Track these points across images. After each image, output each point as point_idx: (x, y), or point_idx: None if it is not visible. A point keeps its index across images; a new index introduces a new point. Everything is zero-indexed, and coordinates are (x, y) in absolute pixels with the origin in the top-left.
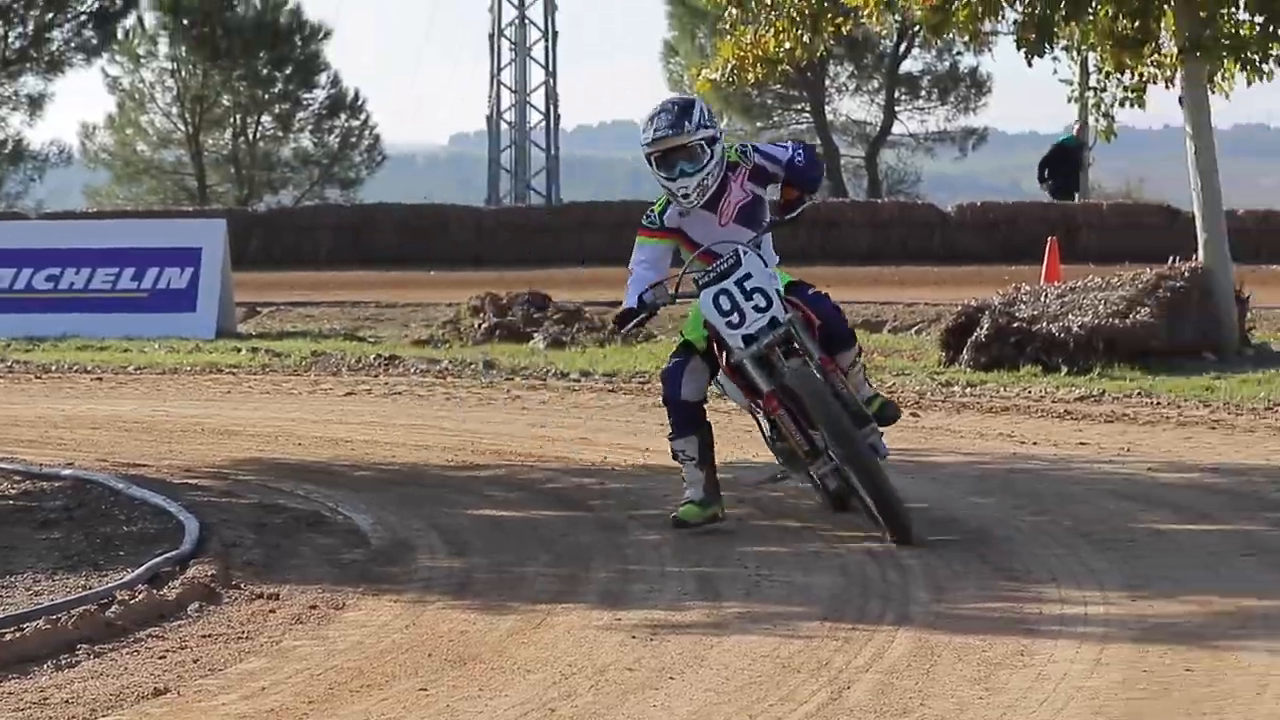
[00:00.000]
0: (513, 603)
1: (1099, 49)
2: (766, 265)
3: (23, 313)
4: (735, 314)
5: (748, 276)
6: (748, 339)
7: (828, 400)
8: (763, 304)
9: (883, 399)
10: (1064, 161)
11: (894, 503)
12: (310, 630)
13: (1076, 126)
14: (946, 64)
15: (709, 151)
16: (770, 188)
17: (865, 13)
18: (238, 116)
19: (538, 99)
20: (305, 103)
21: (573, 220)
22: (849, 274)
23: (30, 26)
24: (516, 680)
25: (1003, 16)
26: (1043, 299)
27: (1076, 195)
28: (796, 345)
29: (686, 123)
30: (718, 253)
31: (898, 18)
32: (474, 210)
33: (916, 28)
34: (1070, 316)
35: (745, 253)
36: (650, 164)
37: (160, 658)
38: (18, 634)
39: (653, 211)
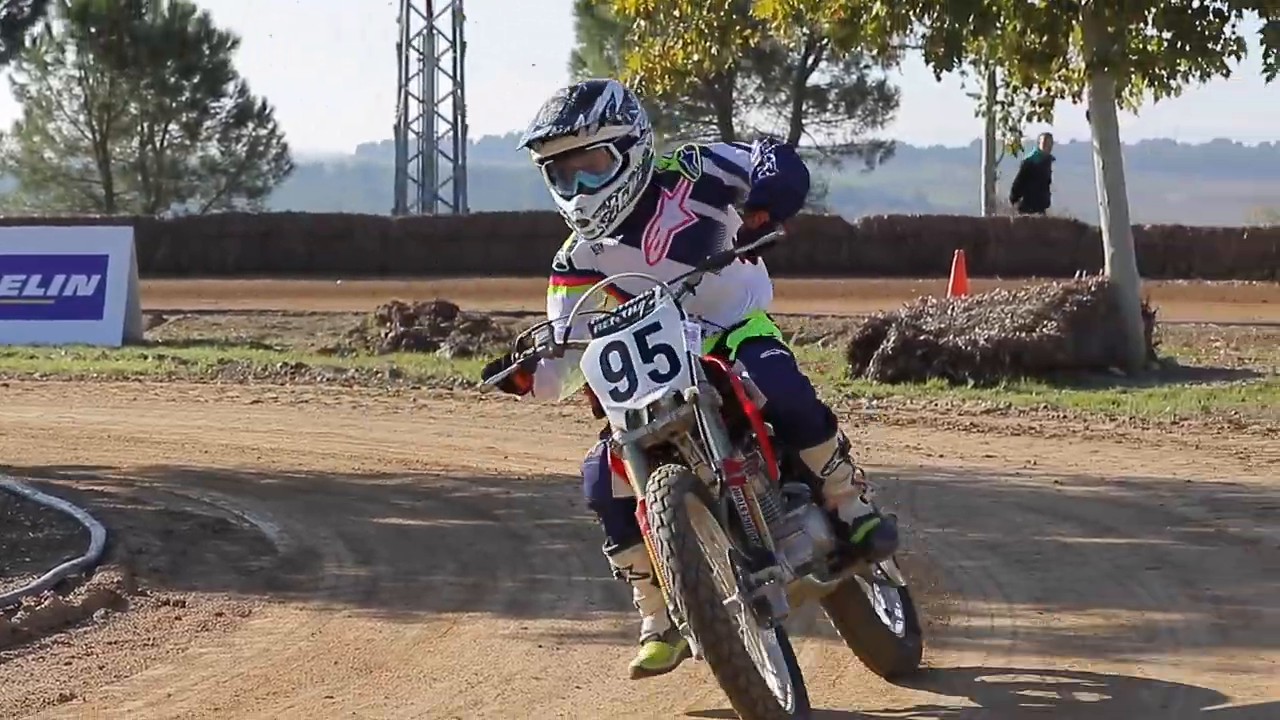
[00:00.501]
0: (419, 611)
1: (1007, 63)
2: (684, 318)
3: None
4: (624, 379)
5: (653, 329)
6: (632, 417)
7: (680, 538)
8: (663, 370)
9: (876, 523)
10: (1032, 178)
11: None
12: (216, 637)
13: (1041, 140)
14: (854, 77)
15: (620, 157)
16: (732, 207)
17: (773, 25)
18: (145, 124)
19: (445, 109)
20: (213, 111)
21: (480, 230)
22: None
23: None
24: (423, 688)
25: (910, 30)
26: (949, 312)
27: (1048, 210)
28: (699, 439)
29: (583, 115)
30: (630, 292)
31: (805, 30)
32: (381, 220)
33: (824, 41)
34: (977, 330)
35: (662, 294)
36: (543, 174)
37: (66, 664)
38: None
39: (561, 250)
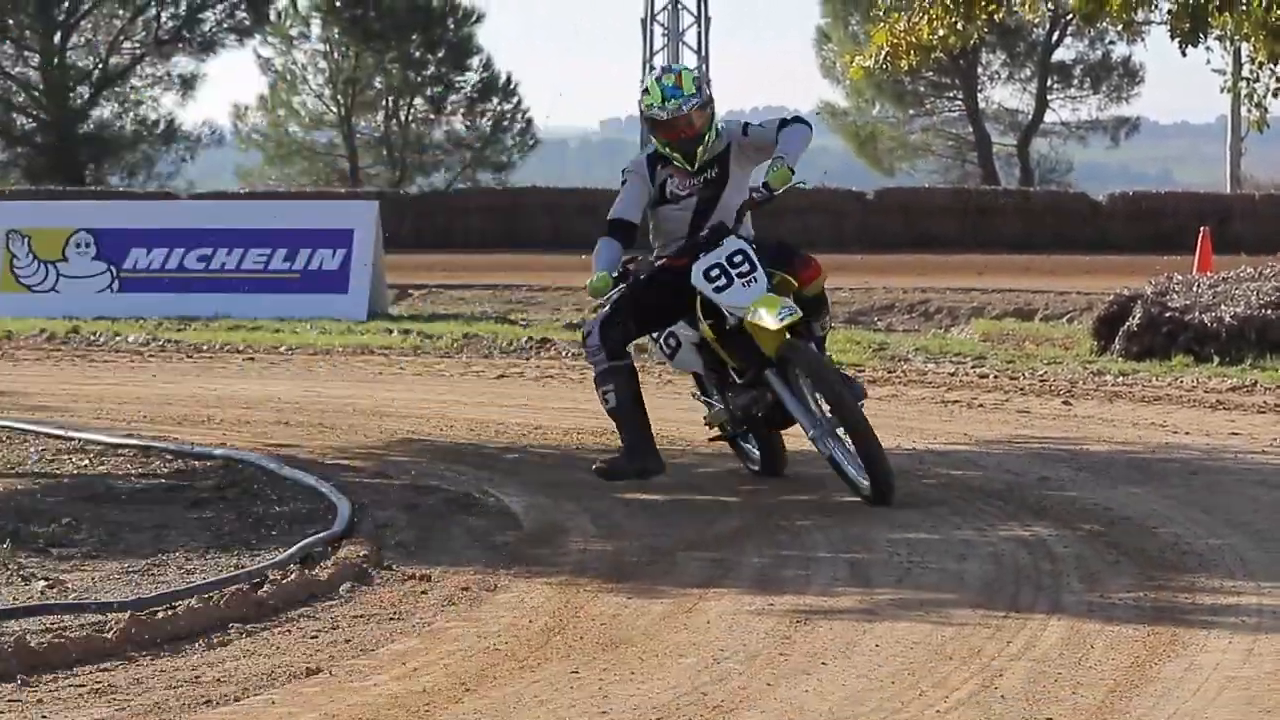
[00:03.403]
0: (664, 586)
1: (1252, 39)
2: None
3: (175, 292)
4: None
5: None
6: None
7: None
8: (745, 268)
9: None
10: None
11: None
12: (462, 612)
13: None
14: (1099, 53)
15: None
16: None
17: (1019, 1)
18: (390, 99)
19: None
20: (457, 86)
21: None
22: (1000, 262)
23: (183, 7)
24: (668, 664)
25: (1156, 6)
26: (1195, 289)
27: None
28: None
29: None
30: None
31: (1051, 6)
32: None
33: (1070, 16)
34: (1223, 307)
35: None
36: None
37: (312, 637)
38: (170, 612)
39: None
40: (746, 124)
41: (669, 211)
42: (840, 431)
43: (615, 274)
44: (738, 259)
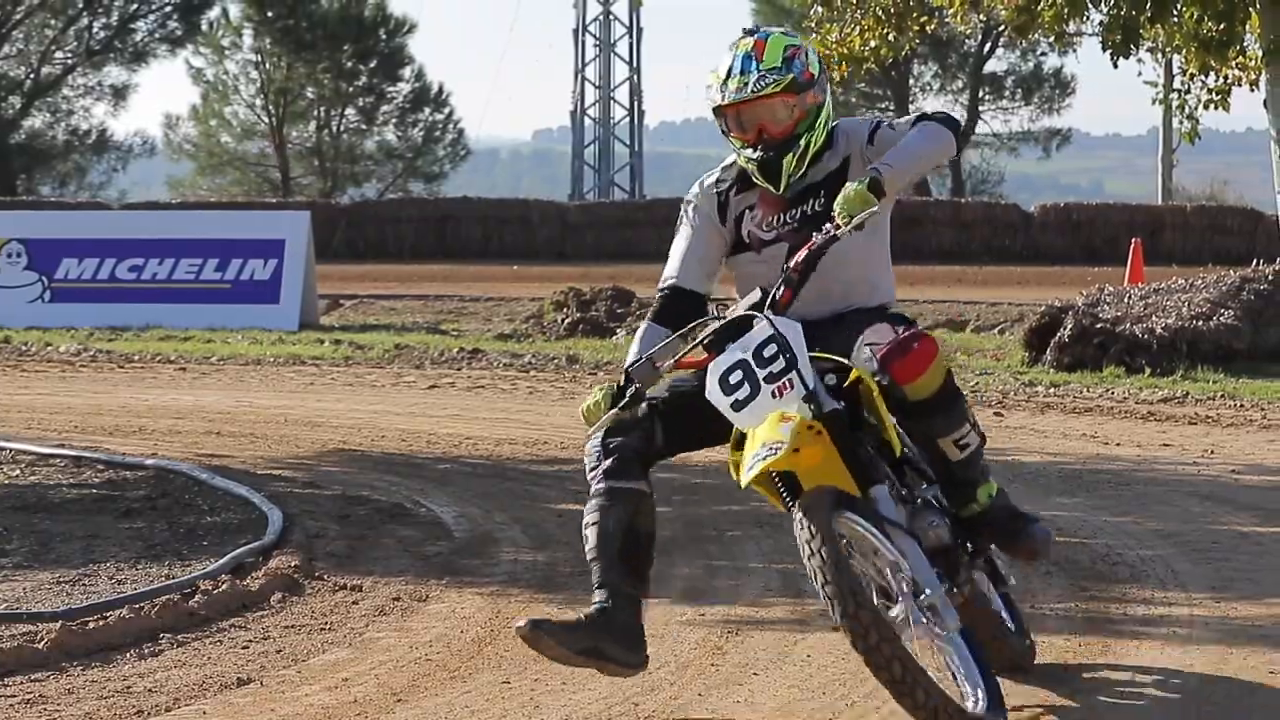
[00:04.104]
0: None
1: (1184, 51)
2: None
3: (106, 302)
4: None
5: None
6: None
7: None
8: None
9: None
10: None
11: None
12: (394, 622)
13: None
14: (1031, 64)
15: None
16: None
17: (950, 12)
18: (321, 109)
19: (622, 95)
20: (389, 96)
21: (656, 216)
22: (932, 273)
23: (115, 17)
24: (599, 675)
25: (1088, 18)
26: (1126, 300)
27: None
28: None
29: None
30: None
31: (983, 17)
32: (557, 205)
33: (1001, 27)
34: (1154, 318)
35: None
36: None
37: (243, 648)
38: (101, 622)
39: None
40: (879, 123)
41: (748, 264)
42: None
43: (618, 388)
44: (769, 352)
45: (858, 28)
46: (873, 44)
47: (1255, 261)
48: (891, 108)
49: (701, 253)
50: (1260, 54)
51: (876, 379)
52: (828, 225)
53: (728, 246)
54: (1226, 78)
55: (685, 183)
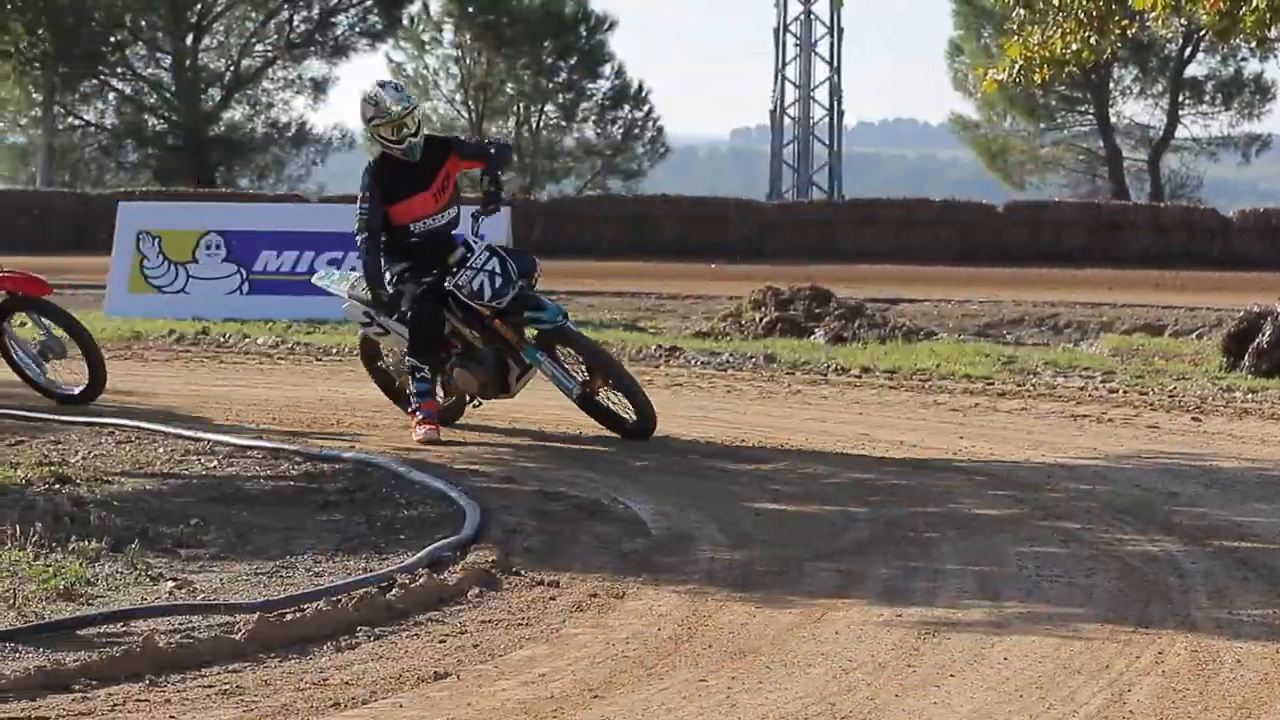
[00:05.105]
0: (793, 596)
1: None
2: None
3: (305, 295)
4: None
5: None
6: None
7: None
8: None
9: None
10: None
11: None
12: (590, 618)
13: None
14: (1231, 69)
15: None
16: None
17: (1152, 16)
18: (521, 105)
19: (821, 94)
20: (589, 93)
21: (854, 216)
22: (1130, 277)
23: (316, 10)
24: (796, 674)
25: None
26: None
27: None
28: None
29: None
30: None
31: (1184, 21)
32: (756, 204)
33: (1203, 32)
34: None
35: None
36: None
37: (440, 642)
38: (298, 614)
39: None
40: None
41: None
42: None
43: None
44: None
45: (1059, 30)
46: (1074, 47)
47: None
48: (1091, 110)
49: None
50: None
51: None
52: None
53: None
54: None
55: (883, 183)
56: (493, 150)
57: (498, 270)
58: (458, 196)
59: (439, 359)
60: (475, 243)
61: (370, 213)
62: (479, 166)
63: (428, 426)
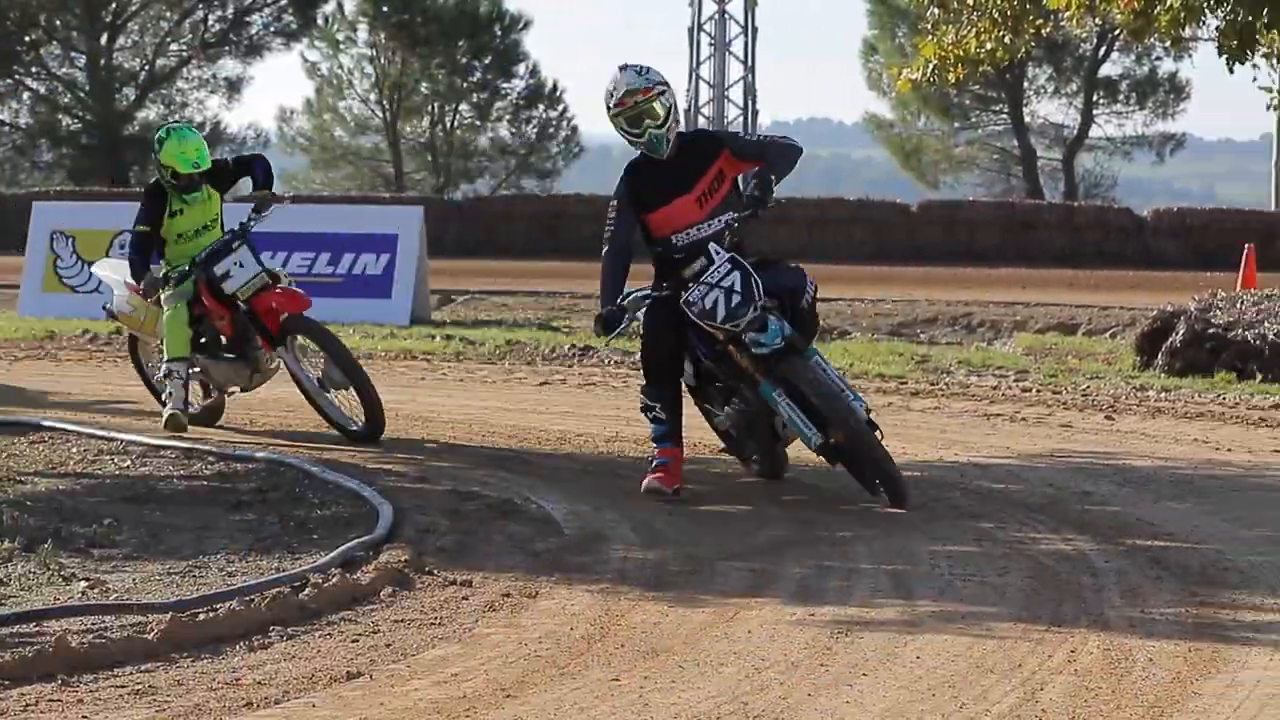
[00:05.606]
0: (705, 595)
1: None
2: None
3: None
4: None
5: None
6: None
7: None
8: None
9: None
10: None
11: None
12: (503, 618)
13: None
14: (1146, 68)
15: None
16: None
17: (1066, 15)
18: (436, 105)
19: (736, 94)
20: (503, 92)
21: (768, 214)
22: (1044, 276)
23: (230, 10)
24: (709, 673)
25: (1204, 22)
26: (1239, 305)
27: None
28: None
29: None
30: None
31: (1098, 21)
32: None
33: (1117, 31)
34: (1266, 324)
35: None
36: None
37: (353, 641)
38: (211, 614)
39: None
40: None
41: None
42: None
43: None
44: None
45: (974, 29)
46: (989, 46)
47: None
48: (1005, 110)
49: None
50: None
51: None
52: None
53: None
54: None
55: (799, 183)
56: (773, 150)
57: (737, 286)
58: (734, 201)
59: (676, 392)
60: (716, 253)
61: (617, 223)
62: (759, 166)
63: (659, 476)
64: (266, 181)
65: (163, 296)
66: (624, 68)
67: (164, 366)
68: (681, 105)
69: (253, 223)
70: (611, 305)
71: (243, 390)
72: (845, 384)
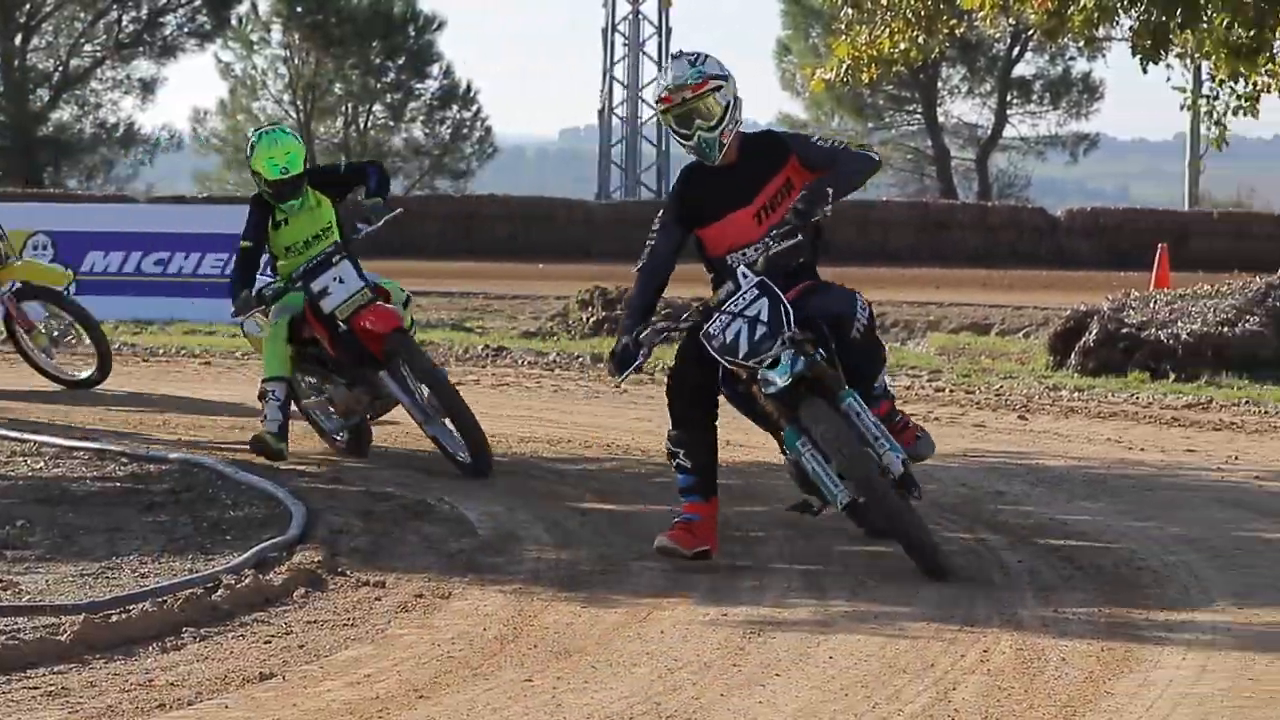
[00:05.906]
0: (618, 596)
1: (1214, 57)
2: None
3: (131, 295)
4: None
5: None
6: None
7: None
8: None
9: None
10: None
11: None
12: (416, 619)
13: None
14: (1059, 69)
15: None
16: None
17: (980, 15)
18: (349, 105)
19: (649, 94)
20: (417, 93)
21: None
22: (958, 276)
23: (144, 10)
24: (621, 673)
25: (1117, 22)
26: (1152, 305)
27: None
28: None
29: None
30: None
31: (1012, 21)
32: (584, 204)
33: (1030, 31)
34: (1179, 324)
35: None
36: None
37: (266, 642)
38: (124, 615)
39: None
40: None
41: None
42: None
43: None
44: None
45: (887, 30)
46: (902, 46)
47: None
48: (919, 110)
49: None
50: None
51: None
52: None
53: None
54: (1256, 84)
55: None
56: (844, 159)
57: (763, 316)
58: None
59: (704, 436)
60: (744, 277)
61: (658, 237)
62: (820, 176)
63: (675, 534)
64: (380, 189)
65: (258, 317)
66: (677, 56)
67: (259, 385)
68: (595, 106)
69: (361, 234)
70: (628, 338)
71: (372, 418)
72: (883, 432)
